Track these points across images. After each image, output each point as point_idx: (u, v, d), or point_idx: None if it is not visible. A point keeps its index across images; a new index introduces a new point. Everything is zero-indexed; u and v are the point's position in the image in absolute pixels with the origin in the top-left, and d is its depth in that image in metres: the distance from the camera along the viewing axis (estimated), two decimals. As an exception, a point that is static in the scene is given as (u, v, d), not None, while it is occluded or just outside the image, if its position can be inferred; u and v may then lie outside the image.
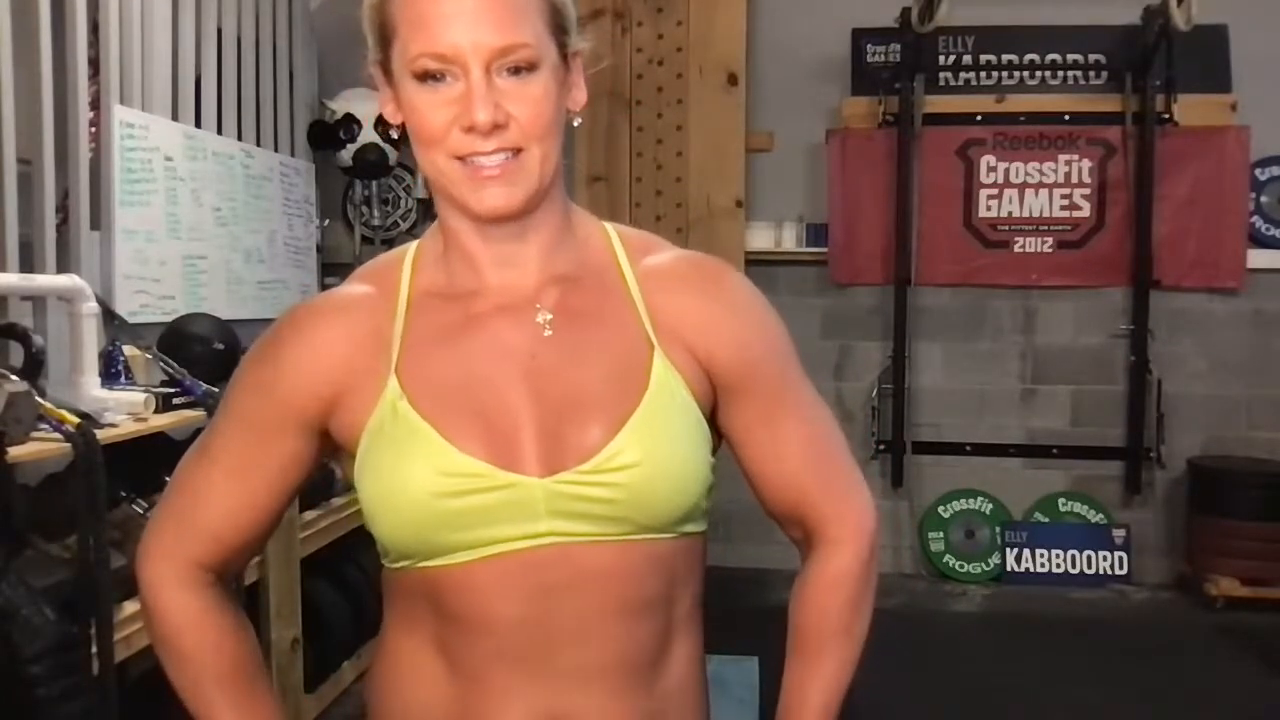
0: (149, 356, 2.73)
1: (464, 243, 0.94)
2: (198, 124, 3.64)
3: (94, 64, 3.10)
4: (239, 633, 1.02)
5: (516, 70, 0.86)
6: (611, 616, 0.91)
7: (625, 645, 0.93)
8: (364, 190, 4.84)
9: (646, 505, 0.90)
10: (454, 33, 0.84)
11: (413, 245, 1.00)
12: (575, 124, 0.96)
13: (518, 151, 0.88)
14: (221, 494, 0.97)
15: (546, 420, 0.90)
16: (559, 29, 0.90)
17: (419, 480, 0.89)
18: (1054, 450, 4.85)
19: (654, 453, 0.90)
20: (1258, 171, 4.74)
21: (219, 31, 3.80)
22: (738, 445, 1.00)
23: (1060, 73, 4.84)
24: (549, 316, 0.93)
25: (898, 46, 4.75)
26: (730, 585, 4.89)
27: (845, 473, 1.02)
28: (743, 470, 1.01)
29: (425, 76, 0.86)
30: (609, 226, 1.00)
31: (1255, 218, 4.76)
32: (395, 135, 4.54)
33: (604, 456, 0.89)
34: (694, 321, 0.94)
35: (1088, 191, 4.79)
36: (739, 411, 0.97)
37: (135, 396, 2.38)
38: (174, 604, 0.99)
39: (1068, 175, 4.80)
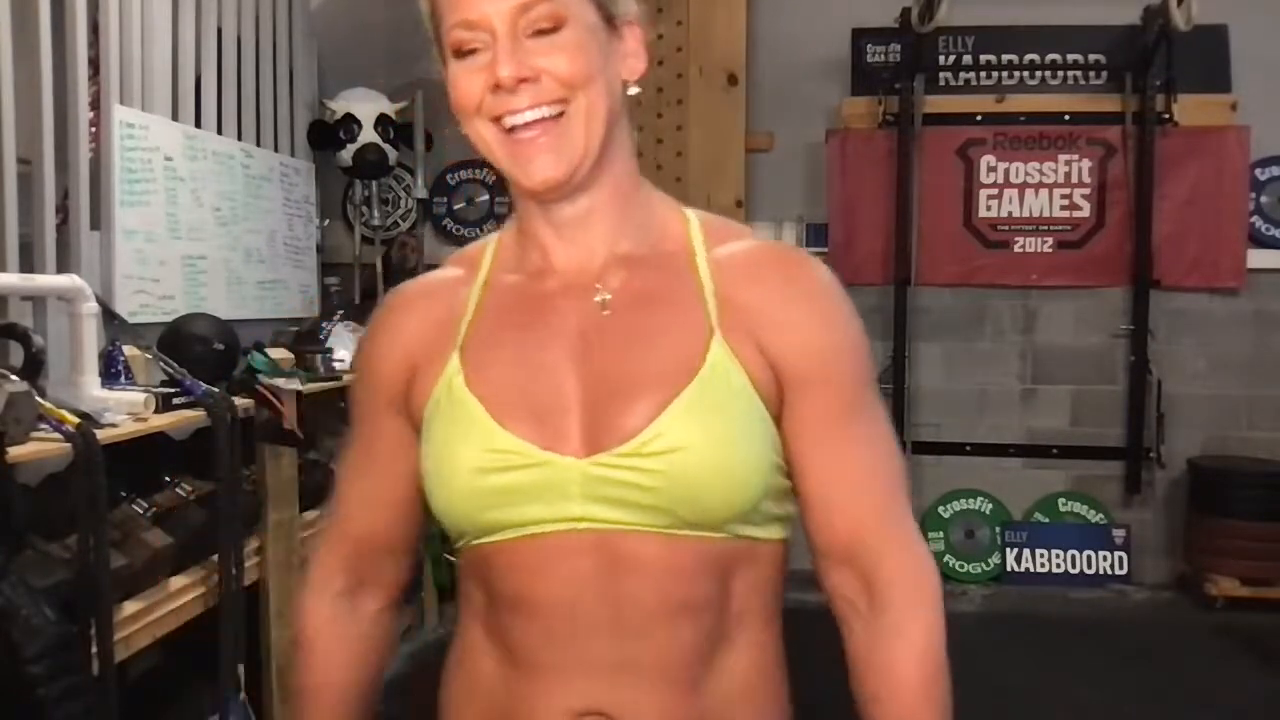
0: (149, 356, 2.73)
1: (530, 222, 0.93)
2: (198, 124, 3.64)
3: (94, 64, 3.10)
4: (351, 651, 1.02)
5: (543, 31, 0.85)
6: (652, 612, 0.88)
7: (667, 643, 0.88)
8: (364, 190, 4.84)
9: (689, 496, 0.85)
10: (480, 1, 0.85)
11: (502, 231, 1.01)
12: (633, 92, 0.92)
13: (559, 112, 0.85)
14: (349, 489, 1.00)
15: (593, 402, 0.88)
16: None
17: (464, 455, 0.89)
18: (1054, 450, 4.85)
19: (699, 439, 0.85)
20: (1258, 171, 4.74)
21: (219, 31, 3.79)
22: (794, 459, 0.91)
23: (1060, 73, 4.84)
24: (608, 297, 0.91)
25: (898, 46, 4.75)
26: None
27: (907, 517, 0.92)
28: (796, 493, 0.93)
29: (460, 51, 0.87)
30: (691, 212, 0.96)
31: (1255, 218, 4.76)
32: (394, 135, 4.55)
33: (643, 439, 0.85)
34: (764, 314, 0.89)
35: (1088, 191, 4.80)
36: (801, 419, 0.89)
37: (135, 396, 2.38)
38: (306, 607, 1.03)
39: (1068, 175, 4.81)
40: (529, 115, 0.85)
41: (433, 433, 0.92)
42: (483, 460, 0.88)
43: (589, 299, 0.91)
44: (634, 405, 0.86)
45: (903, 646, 0.89)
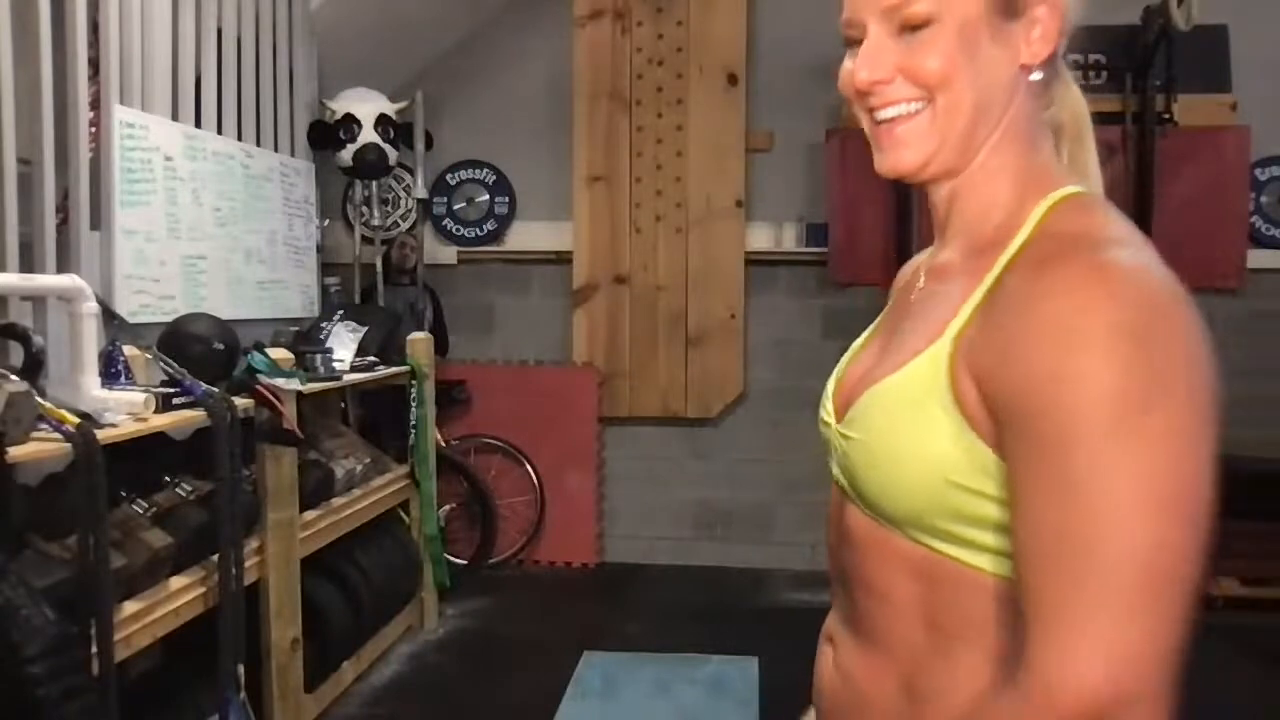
0: (149, 356, 2.73)
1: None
2: (198, 124, 3.64)
3: (94, 64, 3.10)
4: None
5: (913, 28, 0.84)
6: (860, 584, 0.91)
7: (873, 619, 0.90)
8: (364, 190, 4.84)
9: (861, 486, 0.87)
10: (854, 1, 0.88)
11: None
12: (1035, 78, 0.89)
13: (920, 108, 0.86)
14: None
15: (864, 376, 0.93)
16: None
17: (824, 403, 1.00)
18: (1054, 450, 4.84)
19: (865, 432, 0.86)
20: (1258, 171, 4.74)
21: (219, 31, 3.79)
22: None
23: (1060, 73, 4.83)
24: (921, 286, 0.96)
25: (898, 47, 4.75)
26: (730, 585, 4.89)
27: (1071, 606, 0.70)
28: None
29: (848, 42, 0.90)
30: (1051, 200, 0.85)
31: (1255, 218, 4.77)
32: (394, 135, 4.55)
33: (847, 418, 0.91)
34: (988, 326, 0.79)
35: (1088, 191, 4.79)
36: (1007, 456, 0.76)
37: (135, 396, 2.38)
38: None
39: (1068, 175, 4.80)
40: (888, 112, 0.88)
41: None
42: (821, 411, 0.99)
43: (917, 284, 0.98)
44: (866, 388, 0.90)
45: (996, 709, 0.76)
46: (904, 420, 0.82)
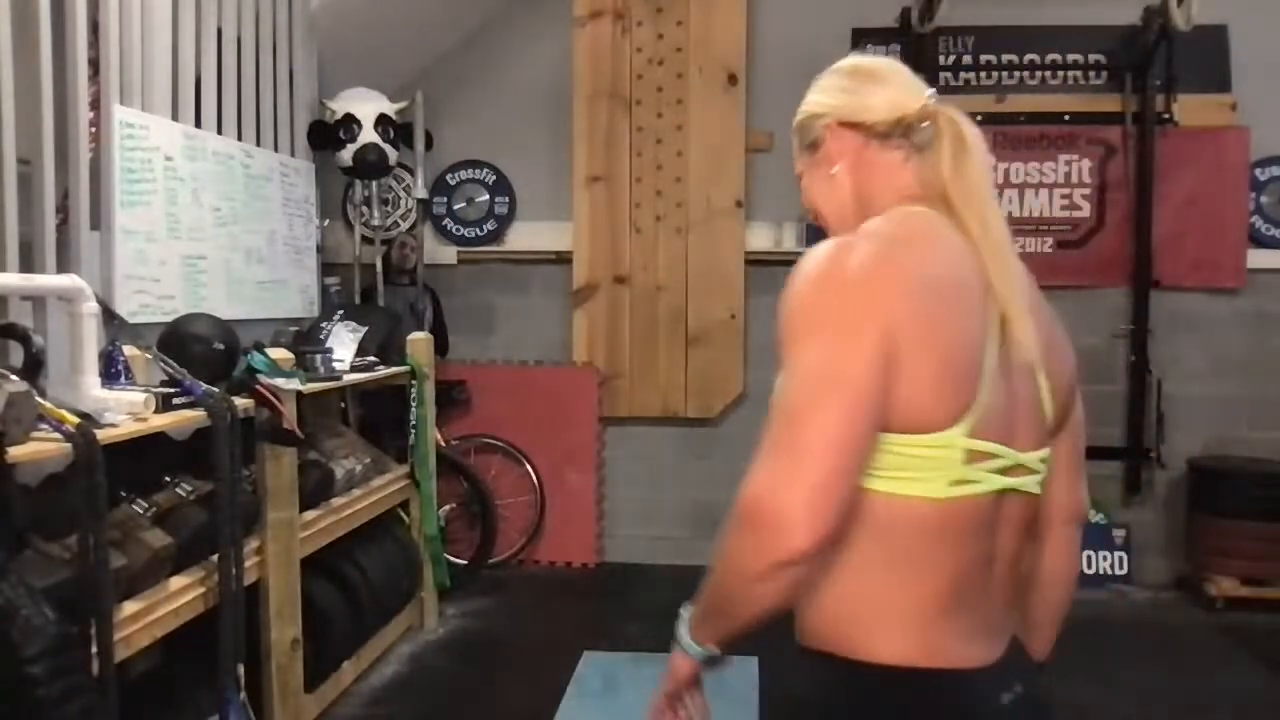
0: (149, 356, 2.73)
1: None
2: (198, 124, 3.64)
3: (94, 64, 3.10)
4: None
5: (800, 182, 1.41)
6: None
7: None
8: (364, 190, 4.84)
9: None
10: None
11: None
12: (833, 172, 1.35)
13: (819, 215, 1.39)
14: None
15: None
16: (804, 144, 1.41)
17: None
18: (1054, 450, 4.84)
19: None
20: (1258, 171, 4.74)
21: (219, 31, 3.79)
22: None
23: (1060, 73, 4.84)
24: None
25: (898, 46, 4.76)
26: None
27: (765, 449, 1.09)
28: None
29: None
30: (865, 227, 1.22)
31: (1255, 218, 4.76)
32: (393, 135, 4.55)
33: None
34: None
35: (1088, 191, 4.80)
36: None
37: (135, 396, 2.38)
38: None
39: (1068, 175, 4.81)
40: None
41: None
42: None
43: None
44: None
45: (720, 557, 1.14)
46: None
